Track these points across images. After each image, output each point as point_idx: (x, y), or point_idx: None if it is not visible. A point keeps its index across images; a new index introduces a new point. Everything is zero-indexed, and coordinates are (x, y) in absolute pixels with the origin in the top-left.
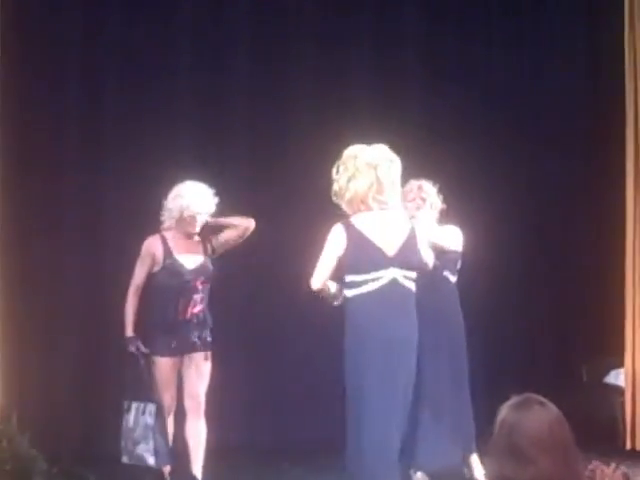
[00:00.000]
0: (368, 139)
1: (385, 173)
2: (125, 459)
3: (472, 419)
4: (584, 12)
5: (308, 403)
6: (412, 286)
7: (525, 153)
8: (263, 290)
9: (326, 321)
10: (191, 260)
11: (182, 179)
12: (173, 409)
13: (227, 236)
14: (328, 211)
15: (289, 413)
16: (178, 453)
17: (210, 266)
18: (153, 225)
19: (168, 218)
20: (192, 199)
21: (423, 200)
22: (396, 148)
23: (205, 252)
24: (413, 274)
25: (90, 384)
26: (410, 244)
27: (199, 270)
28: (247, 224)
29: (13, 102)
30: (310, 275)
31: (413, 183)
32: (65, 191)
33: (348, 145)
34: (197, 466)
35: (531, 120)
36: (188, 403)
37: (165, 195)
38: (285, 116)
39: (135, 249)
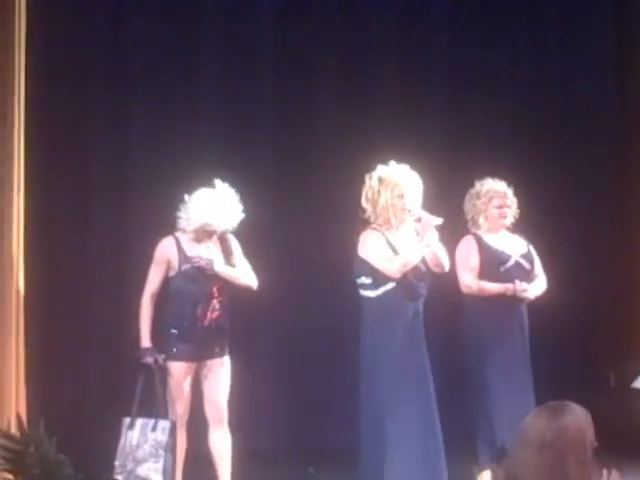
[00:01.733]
0: (392, 149)
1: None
2: (120, 479)
3: None
4: (609, 14)
5: (334, 407)
6: (364, 292)
7: (550, 157)
8: (284, 294)
9: (350, 324)
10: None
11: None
12: (186, 420)
13: (232, 278)
14: (347, 220)
15: (315, 417)
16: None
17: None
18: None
19: (187, 224)
20: (216, 214)
21: (509, 208)
22: (418, 160)
23: (222, 256)
24: (364, 279)
25: (118, 389)
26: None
27: (217, 275)
28: (250, 284)
29: (40, 105)
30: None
31: (493, 186)
32: (91, 197)
33: (373, 158)
34: (225, 476)
35: (557, 124)
36: (210, 413)
37: (184, 197)
38: (311, 128)
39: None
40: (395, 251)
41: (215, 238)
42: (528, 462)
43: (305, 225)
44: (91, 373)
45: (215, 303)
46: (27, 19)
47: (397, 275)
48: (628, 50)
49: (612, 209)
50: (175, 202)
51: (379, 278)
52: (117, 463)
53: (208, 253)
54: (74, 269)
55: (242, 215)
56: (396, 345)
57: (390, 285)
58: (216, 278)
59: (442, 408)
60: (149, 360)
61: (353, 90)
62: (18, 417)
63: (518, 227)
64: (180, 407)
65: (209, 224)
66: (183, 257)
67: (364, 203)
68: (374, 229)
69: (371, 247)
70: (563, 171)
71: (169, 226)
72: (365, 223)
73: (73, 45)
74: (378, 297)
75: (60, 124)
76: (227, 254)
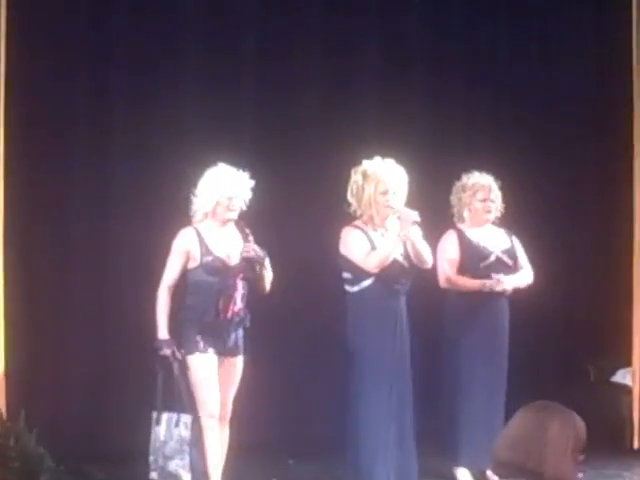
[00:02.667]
0: (378, 143)
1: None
2: (154, 475)
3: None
4: (591, 12)
5: (312, 399)
6: (346, 287)
7: (532, 154)
8: (272, 288)
9: (337, 318)
10: (231, 255)
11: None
12: (217, 415)
13: (265, 277)
14: (335, 214)
15: (293, 409)
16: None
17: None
18: (170, 220)
19: (201, 208)
20: (227, 180)
21: (493, 202)
22: (404, 154)
23: (244, 243)
24: (345, 275)
25: (98, 382)
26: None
27: (240, 266)
28: (267, 287)
29: (21, 93)
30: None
31: (479, 179)
32: (75, 185)
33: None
34: (217, 475)
35: (538, 120)
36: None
37: (190, 189)
38: (296, 122)
39: (150, 244)
40: (374, 247)
41: (233, 223)
42: (510, 449)
43: (292, 219)
44: (73, 366)
45: (238, 295)
46: (7, 16)
47: (375, 270)
48: (611, 39)
49: (596, 205)
50: (166, 192)
51: (358, 274)
52: (151, 458)
53: (231, 239)
54: (52, 262)
55: (252, 182)
56: (375, 340)
57: (369, 281)
58: (239, 270)
59: (421, 403)
60: (167, 352)
61: (338, 85)
62: None
63: (503, 221)
64: (212, 404)
65: (226, 195)
66: (204, 248)
67: (349, 197)
68: (355, 226)
69: (350, 243)
70: (548, 166)
71: (159, 215)
72: (351, 217)
73: (57, 39)
74: (358, 292)
75: (43, 122)
76: (247, 242)
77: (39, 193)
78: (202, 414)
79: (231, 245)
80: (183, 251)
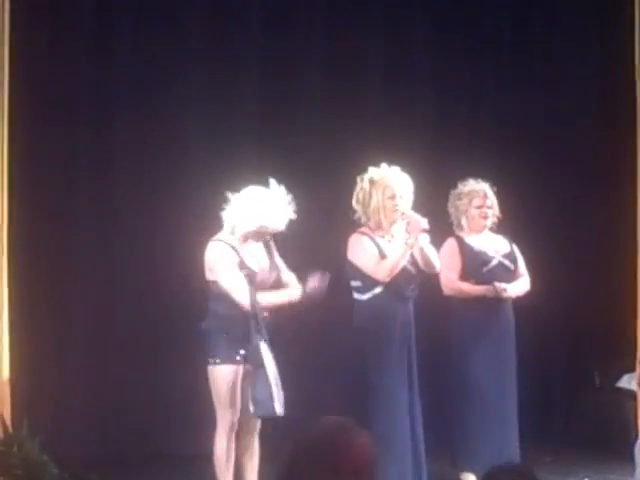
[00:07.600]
0: (380, 152)
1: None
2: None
3: (517, 426)
4: (594, 18)
5: (320, 405)
6: (355, 295)
7: (533, 161)
8: None
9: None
10: (259, 266)
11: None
12: (237, 426)
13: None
14: (338, 222)
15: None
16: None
17: (278, 270)
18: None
19: (240, 225)
20: (274, 215)
21: (490, 208)
22: (405, 162)
23: (267, 257)
24: (354, 283)
25: (101, 389)
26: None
27: (267, 276)
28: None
29: (29, 105)
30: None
31: (474, 186)
32: (81, 190)
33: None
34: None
35: (540, 127)
36: (243, 418)
37: (229, 195)
38: (299, 130)
39: (156, 251)
40: (383, 254)
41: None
42: None
43: (296, 227)
44: (76, 373)
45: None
46: (11, 19)
47: (386, 279)
48: (613, 45)
49: (598, 209)
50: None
51: (368, 282)
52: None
53: (258, 249)
54: (56, 269)
55: (294, 215)
56: (386, 347)
57: (379, 288)
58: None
59: (429, 408)
60: None
61: (340, 93)
62: (1, 418)
63: (502, 227)
64: (233, 413)
65: (266, 226)
66: (240, 262)
67: (355, 205)
68: (362, 233)
69: (359, 251)
70: (551, 172)
71: (157, 221)
72: (356, 225)
73: (62, 36)
74: (368, 300)
75: (46, 129)
76: (271, 255)
77: (43, 199)
78: (223, 425)
79: (259, 256)
80: (234, 262)
